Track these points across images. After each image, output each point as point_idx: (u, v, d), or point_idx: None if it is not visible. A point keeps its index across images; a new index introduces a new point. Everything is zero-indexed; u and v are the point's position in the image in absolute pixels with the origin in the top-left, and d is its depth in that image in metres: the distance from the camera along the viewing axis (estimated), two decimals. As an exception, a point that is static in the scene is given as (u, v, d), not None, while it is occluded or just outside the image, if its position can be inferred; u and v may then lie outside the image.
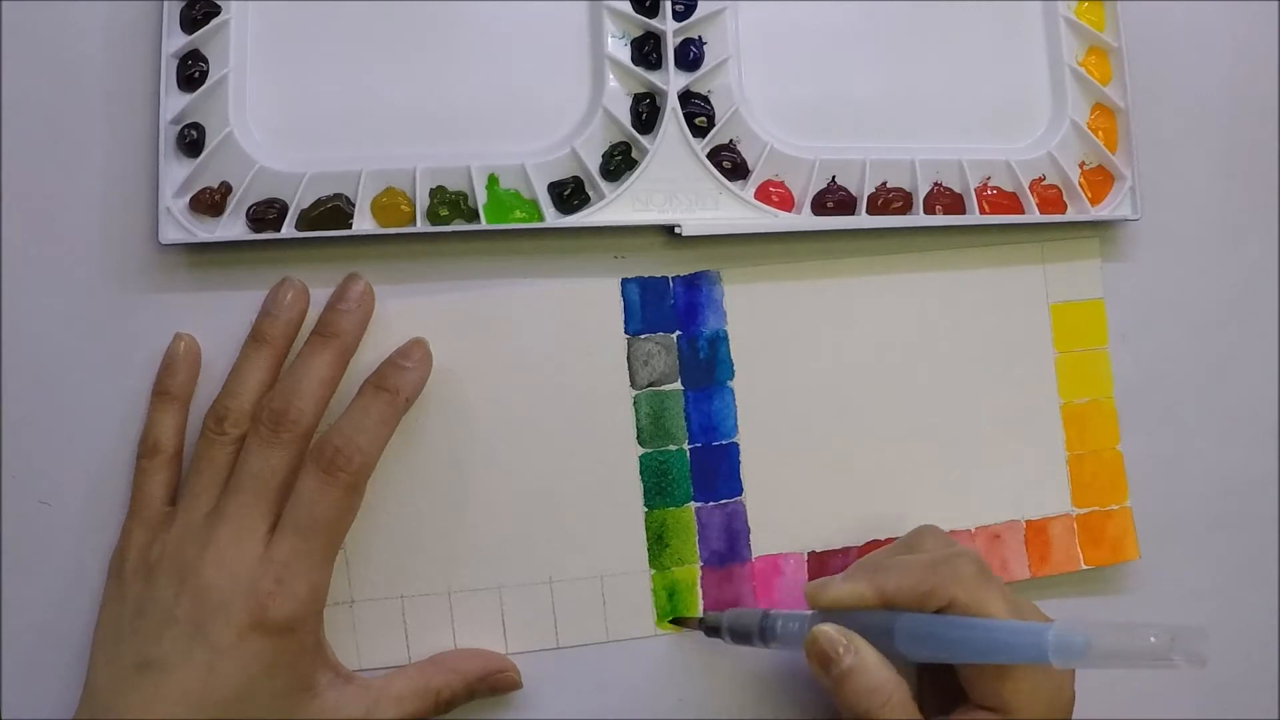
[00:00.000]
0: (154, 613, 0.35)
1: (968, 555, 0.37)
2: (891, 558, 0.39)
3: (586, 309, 0.42)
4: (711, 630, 0.40)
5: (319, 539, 0.36)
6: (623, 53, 0.42)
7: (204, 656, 0.34)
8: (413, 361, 0.39)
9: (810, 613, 0.38)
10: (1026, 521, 0.45)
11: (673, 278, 0.43)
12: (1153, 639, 0.30)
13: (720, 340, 0.43)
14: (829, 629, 0.36)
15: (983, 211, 0.44)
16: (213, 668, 0.34)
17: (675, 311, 0.43)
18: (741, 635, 0.39)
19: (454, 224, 0.41)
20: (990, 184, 0.44)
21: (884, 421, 0.44)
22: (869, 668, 0.35)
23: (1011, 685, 0.35)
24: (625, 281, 0.42)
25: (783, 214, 0.43)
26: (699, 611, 0.42)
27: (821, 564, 0.43)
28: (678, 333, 0.43)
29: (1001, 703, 0.35)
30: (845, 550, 0.43)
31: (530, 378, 0.42)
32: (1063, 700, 0.36)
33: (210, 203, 0.40)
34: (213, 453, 0.37)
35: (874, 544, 0.43)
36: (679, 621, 0.42)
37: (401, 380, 0.38)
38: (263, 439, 0.37)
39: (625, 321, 0.42)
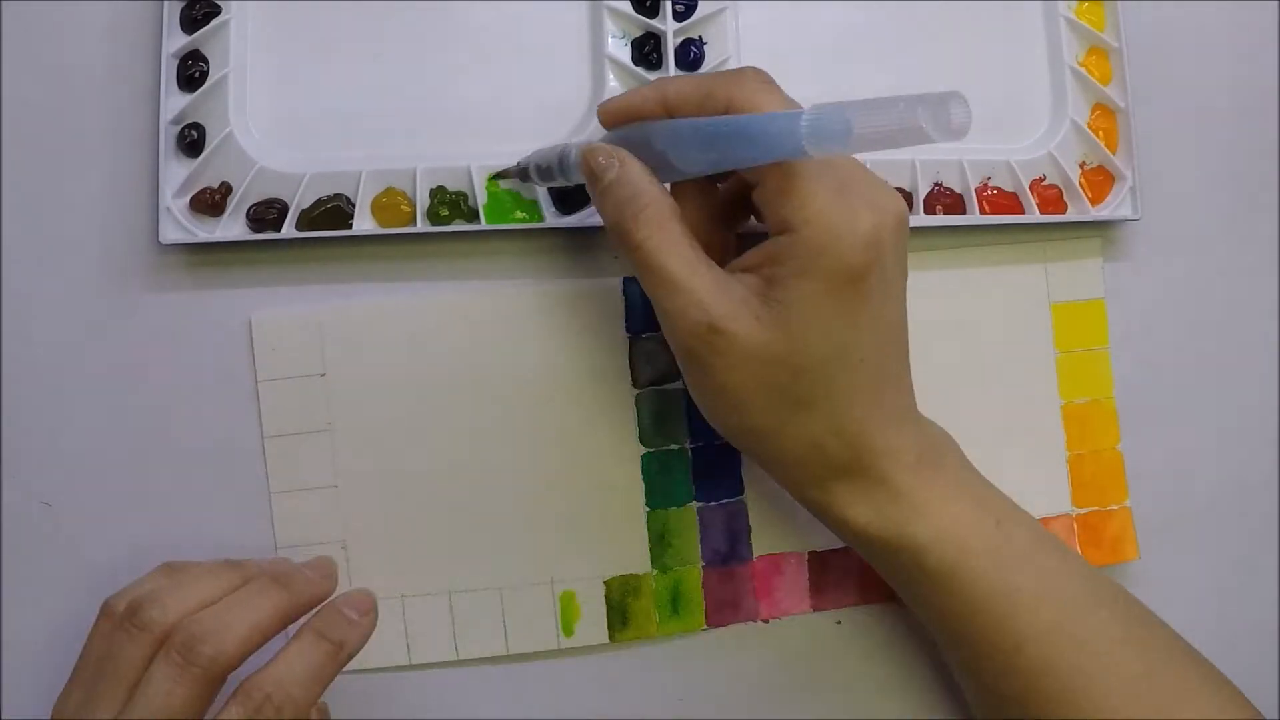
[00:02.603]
0: None
1: (755, 67, 0.35)
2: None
3: (587, 309, 0.42)
4: (523, 174, 0.39)
5: None
6: (623, 53, 0.42)
7: None
8: (360, 613, 0.36)
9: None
10: (1027, 521, 0.45)
11: (673, 277, 0.43)
12: (901, 105, 0.27)
13: (721, 340, 0.43)
14: (600, 145, 0.35)
15: (983, 212, 0.44)
16: None
17: (676, 311, 0.43)
18: (545, 173, 0.38)
19: (454, 224, 0.41)
20: (991, 184, 0.44)
21: (884, 421, 0.44)
22: (630, 180, 0.34)
23: (795, 201, 0.32)
24: (627, 280, 0.42)
25: (783, 214, 0.43)
26: (702, 617, 0.42)
27: (823, 564, 0.43)
28: (678, 333, 0.43)
29: (788, 221, 0.32)
30: (846, 550, 0.43)
31: (531, 377, 0.41)
32: (861, 225, 0.33)
33: (210, 203, 0.40)
34: (124, 650, 0.32)
35: (875, 544, 0.43)
36: (498, 176, 0.41)
37: (348, 634, 0.35)
38: (171, 665, 0.32)
39: (627, 321, 0.42)
